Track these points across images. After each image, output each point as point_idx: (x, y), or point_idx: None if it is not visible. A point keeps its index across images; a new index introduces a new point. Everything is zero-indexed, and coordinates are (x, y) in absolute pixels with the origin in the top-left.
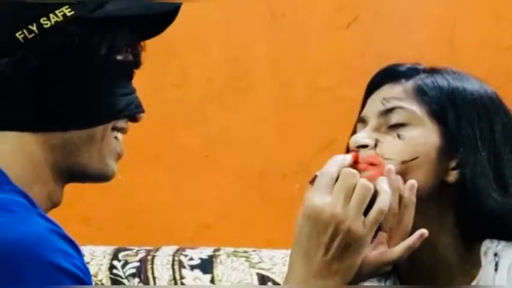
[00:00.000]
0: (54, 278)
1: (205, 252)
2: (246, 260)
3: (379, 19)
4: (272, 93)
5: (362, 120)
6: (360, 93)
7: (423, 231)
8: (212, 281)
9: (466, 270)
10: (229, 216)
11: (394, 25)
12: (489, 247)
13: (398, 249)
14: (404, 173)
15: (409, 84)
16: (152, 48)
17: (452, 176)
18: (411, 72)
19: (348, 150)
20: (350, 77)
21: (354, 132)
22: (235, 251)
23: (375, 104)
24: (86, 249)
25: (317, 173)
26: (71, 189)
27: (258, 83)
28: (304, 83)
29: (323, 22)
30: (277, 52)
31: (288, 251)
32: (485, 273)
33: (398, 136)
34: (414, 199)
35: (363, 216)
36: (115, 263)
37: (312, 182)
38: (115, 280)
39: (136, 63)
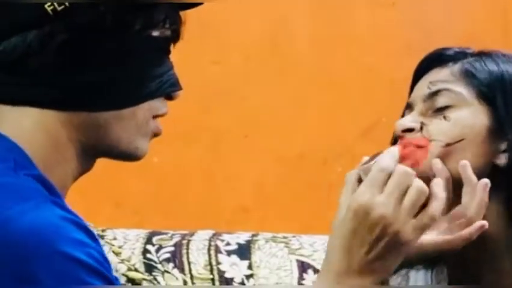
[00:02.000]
0: (67, 269)
1: (243, 237)
2: (286, 246)
3: None
4: (313, 72)
5: (408, 107)
6: (405, 73)
7: (483, 223)
8: (250, 267)
9: None
10: (268, 200)
11: (441, 2)
12: None
13: (454, 240)
14: (449, 155)
15: (457, 67)
16: (188, 23)
17: (502, 159)
18: (459, 55)
19: (394, 136)
20: (396, 57)
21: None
22: (274, 237)
23: (422, 88)
24: (118, 233)
25: (370, 161)
26: (105, 172)
27: (299, 61)
28: (347, 61)
29: None
30: (319, 29)
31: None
32: None
33: (444, 118)
34: (474, 178)
35: (413, 219)
36: (149, 247)
37: (363, 168)
38: (148, 265)
39: (175, 38)
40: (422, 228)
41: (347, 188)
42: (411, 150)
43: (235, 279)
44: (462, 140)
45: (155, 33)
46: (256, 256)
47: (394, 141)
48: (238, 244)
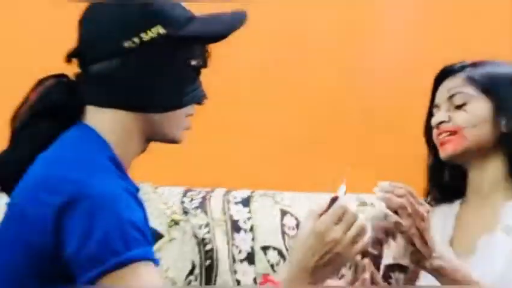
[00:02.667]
0: (123, 227)
1: (245, 193)
2: (273, 199)
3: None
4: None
5: (436, 106)
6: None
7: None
8: (249, 212)
9: (507, 197)
10: (268, 164)
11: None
12: None
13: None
14: (473, 131)
15: (463, 75)
16: None
17: (504, 128)
18: (462, 67)
19: (427, 128)
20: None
21: (429, 114)
22: (265, 193)
23: (443, 93)
24: (166, 189)
25: (330, 204)
26: (156, 147)
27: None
28: None
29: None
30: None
31: (302, 194)
32: None
33: (465, 111)
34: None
35: (354, 244)
36: (185, 199)
37: (332, 200)
38: (184, 211)
39: (204, 65)
40: (357, 252)
41: (310, 217)
42: (447, 138)
43: (239, 220)
44: (479, 122)
45: (193, 63)
46: (253, 205)
47: (426, 130)
48: (242, 198)
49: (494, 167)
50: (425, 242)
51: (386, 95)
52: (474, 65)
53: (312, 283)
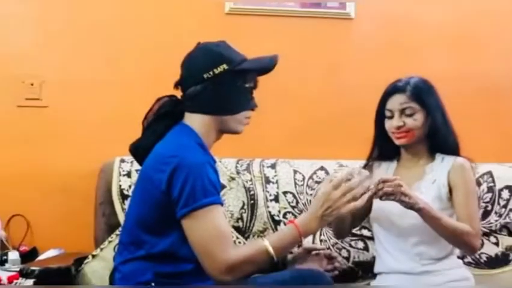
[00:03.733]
0: (203, 184)
1: (272, 161)
2: (288, 164)
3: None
4: None
5: (389, 110)
6: None
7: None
8: (275, 172)
9: (428, 161)
10: (286, 143)
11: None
12: (440, 154)
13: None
14: (418, 131)
15: (408, 93)
16: None
17: (429, 128)
18: (404, 86)
19: (378, 119)
20: None
21: (381, 115)
22: (284, 160)
23: (395, 104)
24: (225, 160)
25: (344, 175)
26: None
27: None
28: None
29: None
30: None
31: (306, 161)
32: (435, 162)
33: (414, 119)
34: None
35: (347, 204)
36: (237, 165)
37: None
38: (237, 171)
39: (255, 87)
40: (348, 210)
41: (325, 182)
42: (404, 134)
43: (269, 176)
44: (421, 126)
45: (247, 85)
46: (277, 168)
47: (377, 119)
48: (271, 163)
49: (421, 147)
50: (409, 197)
51: (376, 93)
52: (409, 82)
53: (318, 227)
